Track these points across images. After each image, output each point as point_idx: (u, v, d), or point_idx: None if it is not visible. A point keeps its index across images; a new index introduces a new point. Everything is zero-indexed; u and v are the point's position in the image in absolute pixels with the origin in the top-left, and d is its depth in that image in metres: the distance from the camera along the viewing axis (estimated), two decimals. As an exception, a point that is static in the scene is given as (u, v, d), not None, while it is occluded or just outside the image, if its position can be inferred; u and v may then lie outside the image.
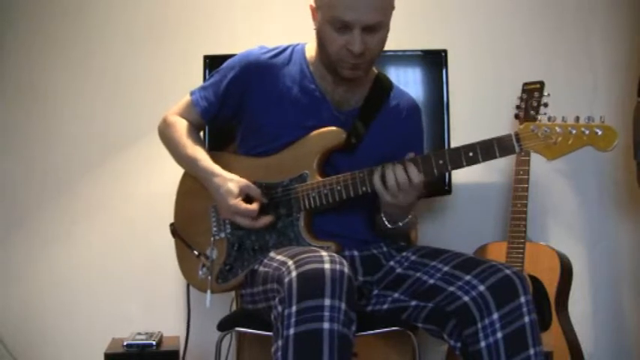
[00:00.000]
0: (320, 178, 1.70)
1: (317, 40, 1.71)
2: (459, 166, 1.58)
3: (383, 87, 1.83)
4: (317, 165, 1.73)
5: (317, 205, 1.70)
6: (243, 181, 1.72)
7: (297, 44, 1.83)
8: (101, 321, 2.53)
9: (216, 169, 1.75)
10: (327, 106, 1.77)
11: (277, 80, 1.76)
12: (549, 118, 1.54)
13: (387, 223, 1.71)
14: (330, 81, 1.76)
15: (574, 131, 1.50)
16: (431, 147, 2.25)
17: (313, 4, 1.68)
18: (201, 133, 2.08)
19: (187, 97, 1.87)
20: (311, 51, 1.79)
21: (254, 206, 1.69)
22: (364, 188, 1.65)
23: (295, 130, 1.75)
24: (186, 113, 1.87)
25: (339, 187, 1.67)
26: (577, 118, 1.51)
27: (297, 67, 1.78)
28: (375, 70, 1.83)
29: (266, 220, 1.70)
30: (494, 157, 1.55)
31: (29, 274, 2.57)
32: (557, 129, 1.51)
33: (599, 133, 1.48)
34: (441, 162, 1.59)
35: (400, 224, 1.71)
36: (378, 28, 1.63)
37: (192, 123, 1.87)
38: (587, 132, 1.49)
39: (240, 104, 1.80)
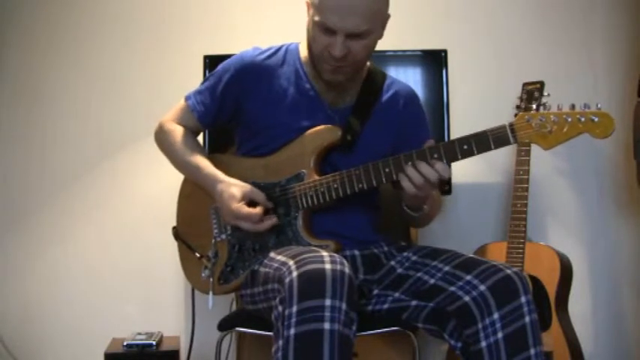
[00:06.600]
0: (317, 177, 1.70)
1: (306, 37, 1.71)
2: (454, 158, 1.57)
3: (375, 80, 1.83)
4: (314, 164, 1.73)
5: (314, 204, 1.70)
6: (247, 186, 1.71)
7: (291, 44, 1.82)
8: (101, 321, 2.53)
9: (220, 175, 1.75)
10: (322, 105, 1.77)
11: (273, 81, 1.76)
12: (545, 108, 1.53)
13: (411, 212, 1.73)
14: (324, 80, 1.75)
15: (569, 119, 1.47)
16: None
17: (309, 0, 1.68)
18: (201, 136, 2.08)
19: (183, 102, 1.86)
20: (304, 50, 1.78)
21: (257, 210, 1.68)
22: (360, 185, 1.65)
23: (292, 131, 1.75)
24: (183, 119, 1.86)
25: (335, 185, 1.67)
26: (572, 106, 1.48)
27: (291, 67, 1.78)
28: (368, 64, 1.82)
29: (269, 222, 1.69)
30: (489, 148, 1.53)
31: (29, 274, 2.56)
32: (552, 117, 1.48)
33: (595, 120, 1.45)
34: (436, 155, 1.58)
35: (425, 207, 1.73)
36: (364, 36, 1.62)
37: (190, 128, 1.86)
38: (582, 119, 1.46)
39: (237, 107, 1.79)
